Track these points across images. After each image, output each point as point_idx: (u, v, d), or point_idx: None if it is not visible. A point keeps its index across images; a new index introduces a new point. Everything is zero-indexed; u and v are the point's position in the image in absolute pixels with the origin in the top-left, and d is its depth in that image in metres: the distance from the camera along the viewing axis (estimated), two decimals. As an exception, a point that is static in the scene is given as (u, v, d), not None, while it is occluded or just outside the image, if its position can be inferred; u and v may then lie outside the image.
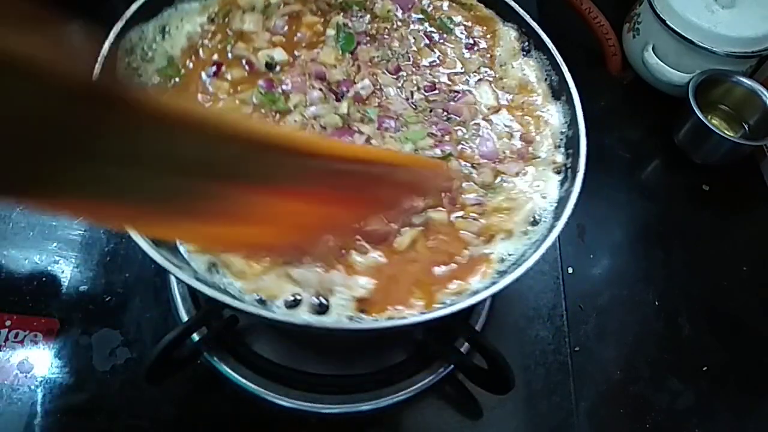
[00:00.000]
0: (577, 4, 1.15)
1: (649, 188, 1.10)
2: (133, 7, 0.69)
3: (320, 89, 0.72)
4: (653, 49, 1.11)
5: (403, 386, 0.79)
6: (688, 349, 0.92)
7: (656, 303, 0.95)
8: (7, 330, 0.80)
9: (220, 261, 0.60)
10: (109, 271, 0.85)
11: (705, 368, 0.91)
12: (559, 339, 0.88)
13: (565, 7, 1.15)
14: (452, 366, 0.80)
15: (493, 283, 0.60)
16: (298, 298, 0.59)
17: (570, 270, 0.96)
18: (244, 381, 0.77)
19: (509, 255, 0.65)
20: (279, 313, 0.58)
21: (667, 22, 1.07)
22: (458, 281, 0.63)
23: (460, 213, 0.67)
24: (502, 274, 0.63)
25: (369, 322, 0.59)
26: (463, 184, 0.69)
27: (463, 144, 0.72)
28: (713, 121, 1.10)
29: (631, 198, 1.07)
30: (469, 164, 0.71)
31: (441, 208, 0.67)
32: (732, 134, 1.09)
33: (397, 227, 0.64)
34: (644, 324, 0.94)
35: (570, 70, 0.77)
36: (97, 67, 0.63)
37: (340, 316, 0.59)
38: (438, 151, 0.70)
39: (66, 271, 0.85)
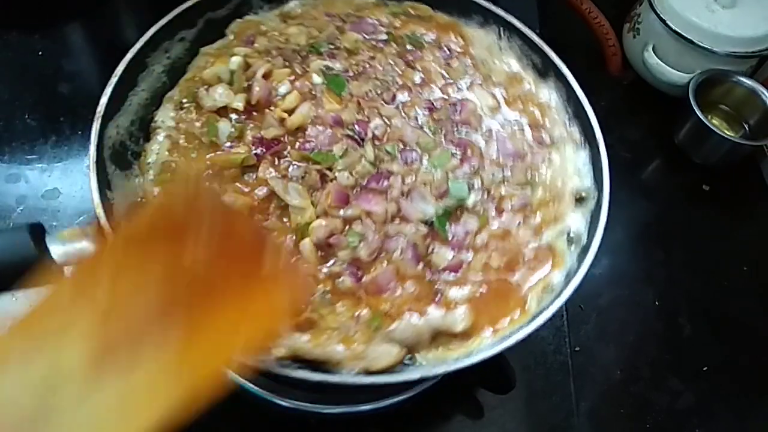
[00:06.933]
0: (577, 4, 1.15)
1: (649, 188, 1.10)
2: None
3: (346, 135, 0.70)
4: (653, 49, 1.11)
5: (403, 386, 0.78)
6: (688, 349, 0.92)
7: (656, 303, 0.95)
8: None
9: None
10: (109, 271, 0.85)
11: (705, 368, 0.91)
12: (559, 339, 0.88)
13: (565, 8, 1.15)
14: (452, 366, 0.80)
15: (568, 273, 0.66)
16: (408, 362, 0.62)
17: (570, 270, 0.96)
18: (244, 381, 0.76)
19: (571, 238, 0.69)
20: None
21: (667, 22, 1.07)
22: (538, 277, 0.66)
23: (512, 218, 0.69)
24: (574, 258, 0.68)
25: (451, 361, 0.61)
26: (503, 191, 0.70)
27: (485, 153, 0.72)
28: (713, 121, 1.10)
29: (631, 198, 1.07)
30: (500, 170, 0.71)
31: (493, 221, 0.68)
32: (732, 134, 1.09)
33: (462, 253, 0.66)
34: (644, 324, 0.94)
35: (570, 71, 0.77)
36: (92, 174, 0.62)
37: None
38: (466, 168, 0.70)
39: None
